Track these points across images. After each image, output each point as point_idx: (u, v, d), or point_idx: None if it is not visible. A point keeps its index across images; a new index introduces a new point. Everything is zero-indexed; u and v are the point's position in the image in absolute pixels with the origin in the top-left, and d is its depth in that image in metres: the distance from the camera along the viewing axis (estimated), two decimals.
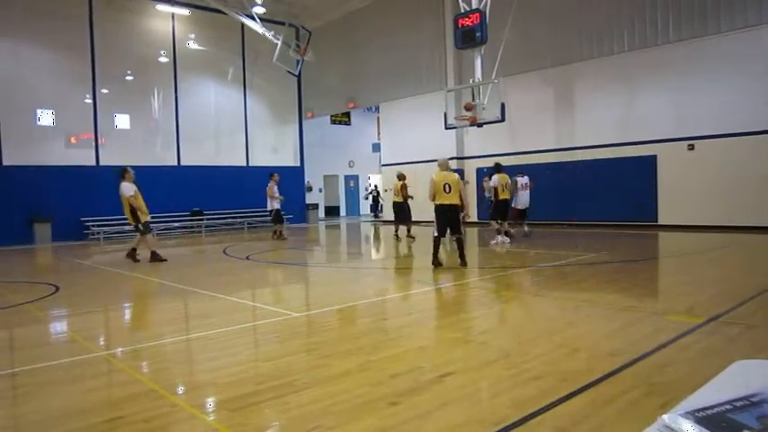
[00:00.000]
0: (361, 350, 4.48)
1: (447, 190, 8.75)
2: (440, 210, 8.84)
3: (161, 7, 20.23)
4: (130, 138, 19.74)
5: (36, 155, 17.69)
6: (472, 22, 14.76)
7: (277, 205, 15.50)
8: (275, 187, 15.55)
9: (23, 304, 7.11)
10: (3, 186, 16.94)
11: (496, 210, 13.06)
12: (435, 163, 9.41)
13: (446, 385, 3.57)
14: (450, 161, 9.22)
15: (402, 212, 14.54)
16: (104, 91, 19.22)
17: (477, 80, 15.39)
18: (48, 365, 4.31)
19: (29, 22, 17.65)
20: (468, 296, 7.13)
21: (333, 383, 3.67)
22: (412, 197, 14.79)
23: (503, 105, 14.79)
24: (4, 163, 17.22)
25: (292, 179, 24.80)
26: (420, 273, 8.97)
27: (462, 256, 8.93)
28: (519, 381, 3.60)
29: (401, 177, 14.73)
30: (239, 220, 21.18)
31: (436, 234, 8.93)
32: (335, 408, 3.23)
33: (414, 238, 14.42)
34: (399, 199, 14.50)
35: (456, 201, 8.86)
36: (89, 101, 18.91)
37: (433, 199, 8.87)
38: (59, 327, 6.19)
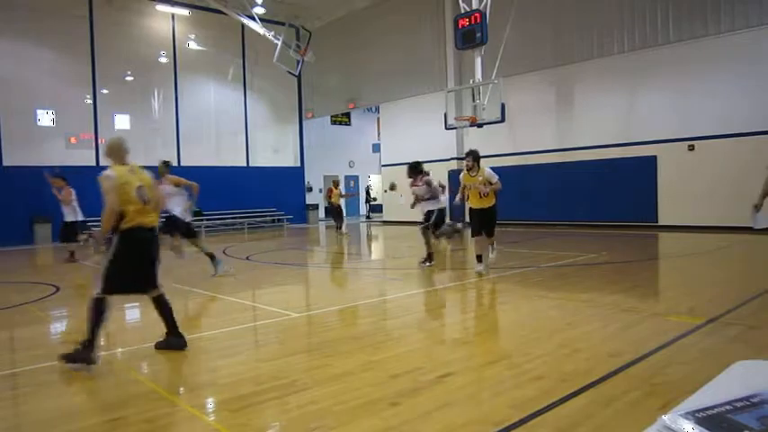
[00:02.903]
0: (362, 350, 4.48)
1: (145, 198, 4.59)
2: (133, 240, 4.46)
3: (161, 7, 20.24)
4: (130, 138, 19.49)
5: (36, 155, 17.69)
6: (472, 22, 14.78)
7: (72, 217, 12.94)
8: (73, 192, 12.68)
9: (24, 304, 7.11)
10: (3, 187, 16.94)
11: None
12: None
13: (447, 386, 3.57)
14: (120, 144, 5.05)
15: (339, 214, 17.04)
16: (104, 91, 19.23)
17: (477, 80, 15.41)
18: (48, 366, 4.31)
19: (29, 23, 17.66)
20: (469, 296, 7.13)
21: (333, 384, 3.67)
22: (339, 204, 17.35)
23: (503, 106, 14.82)
24: (5, 163, 17.22)
25: (293, 179, 24.85)
26: (420, 273, 8.96)
27: (172, 324, 4.73)
28: (520, 381, 3.60)
29: (336, 184, 17.19)
30: (240, 220, 21.18)
31: (100, 293, 4.34)
32: (336, 408, 3.24)
33: (348, 234, 17.06)
34: (337, 202, 17.11)
35: (156, 221, 4.71)
36: (89, 101, 18.93)
37: (120, 219, 4.44)
38: (60, 327, 6.19)
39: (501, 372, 3.83)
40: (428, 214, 9.38)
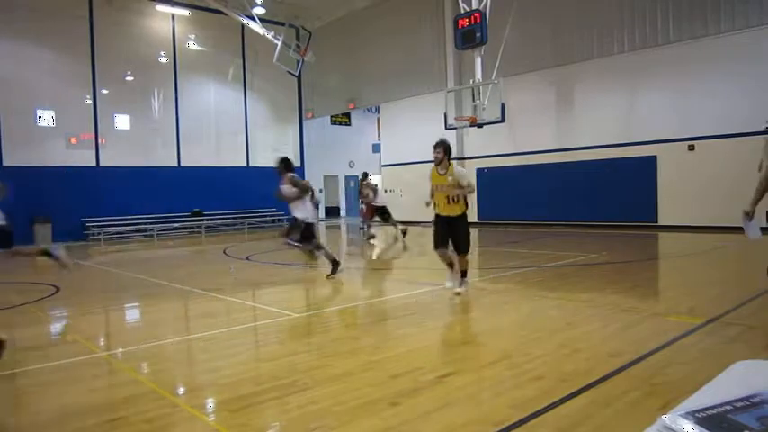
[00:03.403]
0: (362, 350, 4.48)
1: None
2: None
3: (161, 8, 20.23)
4: (130, 138, 19.75)
5: (36, 155, 17.69)
6: (472, 22, 14.79)
7: None
8: None
9: (24, 305, 7.11)
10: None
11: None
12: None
13: (447, 386, 3.57)
14: None
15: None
16: (104, 91, 19.22)
17: (477, 81, 15.42)
18: (48, 366, 4.31)
19: (29, 23, 17.66)
20: (468, 296, 7.13)
21: (334, 384, 3.67)
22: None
23: (503, 106, 14.83)
24: (5, 163, 17.22)
25: None
26: (420, 273, 8.96)
27: None
28: (520, 381, 3.60)
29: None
30: (240, 220, 21.18)
31: None
32: (336, 408, 3.24)
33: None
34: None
35: None
36: (89, 101, 18.92)
37: None
38: (60, 327, 6.19)
39: (501, 372, 3.83)
40: (294, 221, 8.34)
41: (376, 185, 15.79)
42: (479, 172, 19.16)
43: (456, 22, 15.39)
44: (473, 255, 9.87)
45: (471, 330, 5.37)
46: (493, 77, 15.34)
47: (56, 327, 6.24)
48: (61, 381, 3.99)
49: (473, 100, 15.65)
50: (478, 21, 14.64)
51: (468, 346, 4.71)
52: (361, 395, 3.43)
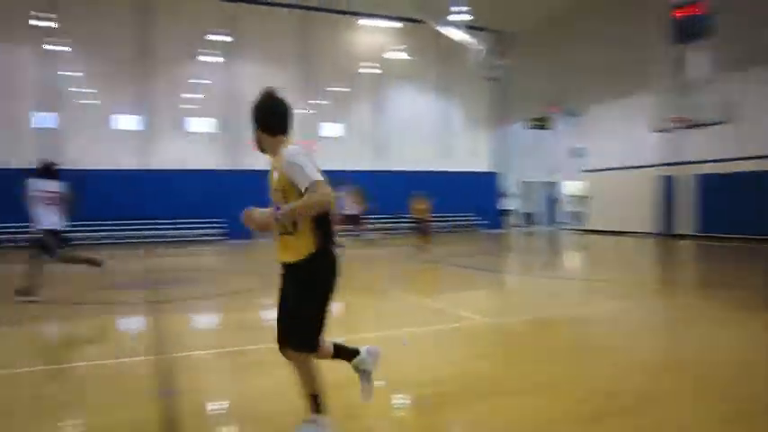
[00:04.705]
0: (557, 362, 4.33)
1: None
2: None
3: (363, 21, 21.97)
4: (342, 143, 21.45)
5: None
6: (692, 12, 13.33)
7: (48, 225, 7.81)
8: None
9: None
10: None
11: None
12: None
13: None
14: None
15: None
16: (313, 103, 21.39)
17: (692, 77, 13.87)
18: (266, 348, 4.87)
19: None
20: (682, 315, 6.44)
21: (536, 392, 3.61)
22: None
23: (726, 104, 13.15)
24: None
25: (486, 185, 24.73)
26: (616, 286, 8.31)
27: None
28: None
29: None
30: (446, 222, 21.64)
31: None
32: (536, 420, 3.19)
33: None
34: None
35: None
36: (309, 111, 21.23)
37: None
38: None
39: None
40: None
41: None
42: (701, 179, 16.98)
43: (672, 13, 13.99)
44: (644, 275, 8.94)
45: (671, 353, 4.85)
46: (711, 72, 13.62)
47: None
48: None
49: (688, 98, 14.14)
50: (700, 11, 13.14)
51: (667, 372, 4.26)
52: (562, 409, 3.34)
